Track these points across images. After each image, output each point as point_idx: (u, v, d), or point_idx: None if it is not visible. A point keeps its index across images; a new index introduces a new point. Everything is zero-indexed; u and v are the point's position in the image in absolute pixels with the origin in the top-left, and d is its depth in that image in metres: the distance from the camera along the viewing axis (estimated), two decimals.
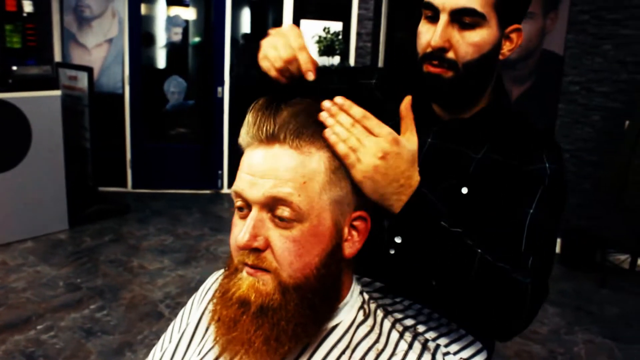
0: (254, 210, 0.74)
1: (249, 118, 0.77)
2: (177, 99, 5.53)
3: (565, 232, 4.14)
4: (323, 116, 0.77)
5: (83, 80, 4.46)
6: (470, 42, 0.95)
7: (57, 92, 4.10)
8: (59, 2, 4.92)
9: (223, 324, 0.76)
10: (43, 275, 3.52)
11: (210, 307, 0.82)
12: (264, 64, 0.95)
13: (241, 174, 0.76)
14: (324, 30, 4.90)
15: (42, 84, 4.04)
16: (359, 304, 0.84)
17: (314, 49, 5.04)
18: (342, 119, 0.77)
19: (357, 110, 0.78)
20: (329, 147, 0.76)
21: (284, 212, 0.72)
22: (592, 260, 4.04)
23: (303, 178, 0.73)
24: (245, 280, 0.75)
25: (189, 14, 6.03)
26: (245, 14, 7.91)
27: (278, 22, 5.42)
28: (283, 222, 0.73)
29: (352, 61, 5.06)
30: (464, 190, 0.99)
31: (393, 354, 0.78)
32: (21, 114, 3.87)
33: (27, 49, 4.59)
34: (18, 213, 3.99)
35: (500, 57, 1.01)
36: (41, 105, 3.98)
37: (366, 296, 0.87)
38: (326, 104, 0.78)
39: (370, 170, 0.76)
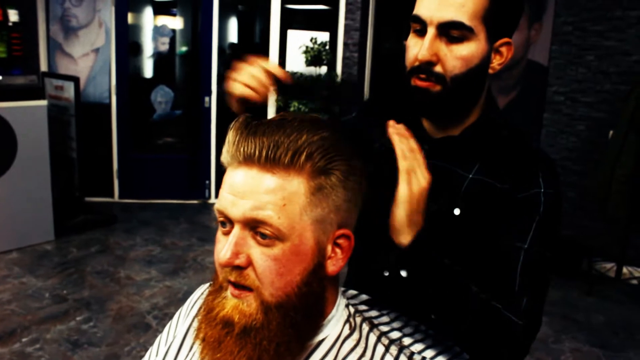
0: (236, 228, 0.74)
1: (229, 137, 0.76)
2: (164, 109, 5.52)
3: None
4: (391, 132, 0.87)
5: (69, 90, 4.44)
6: (458, 56, 0.93)
7: (43, 102, 4.07)
8: (45, 11, 4.89)
9: (208, 344, 0.76)
10: (28, 287, 3.48)
11: (195, 323, 0.82)
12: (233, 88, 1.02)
13: (223, 193, 0.76)
14: (311, 40, 4.92)
15: (27, 93, 4.02)
16: (344, 317, 0.84)
17: (301, 59, 5.06)
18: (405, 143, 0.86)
19: (414, 143, 0.86)
20: (309, 169, 0.75)
21: (266, 230, 0.72)
22: (578, 269, 4.08)
23: (283, 200, 0.73)
24: (230, 301, 0.75)
25: (176, 23, 6.04)
26: (233, 24, 7.94)
27: (265, 32, 5.43)
28: (265, 240, 0.73)
29: (339, 71, 5.08)
30: (457, 212, 0.98)
31: None
32: (6, 123, 3.83)
33: (13, 58, 4.56)
34: (3, 223, 3.94)
35: (491, 71, 0.99)
36: (27, 115, 3.95)
37: (352, 309, 0.87)
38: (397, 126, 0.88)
39: (416, 193, 0.85)
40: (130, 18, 5.28)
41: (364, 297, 0.96)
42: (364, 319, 0.87)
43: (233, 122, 0.78)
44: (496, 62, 0.98)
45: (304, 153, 0.73)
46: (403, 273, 0.89)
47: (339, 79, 5.02)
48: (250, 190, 0.73)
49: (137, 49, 5.65)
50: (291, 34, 5.39)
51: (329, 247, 0.78)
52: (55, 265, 3.78)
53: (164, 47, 5.55)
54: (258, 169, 0.73)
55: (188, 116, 5.54)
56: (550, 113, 4.26)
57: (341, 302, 0.86)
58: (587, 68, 4.08)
